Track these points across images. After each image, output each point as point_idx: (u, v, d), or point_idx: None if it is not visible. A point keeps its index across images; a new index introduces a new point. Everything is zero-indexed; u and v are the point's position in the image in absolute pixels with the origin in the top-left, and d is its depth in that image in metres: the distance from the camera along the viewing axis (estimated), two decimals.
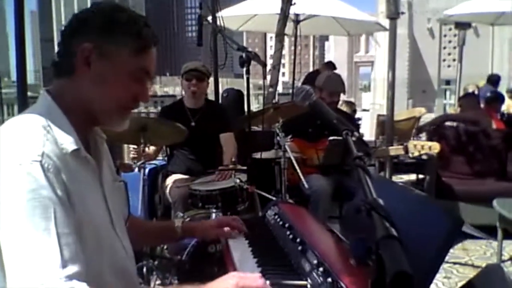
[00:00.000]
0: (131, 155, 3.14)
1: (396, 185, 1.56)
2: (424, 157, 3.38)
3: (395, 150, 3.67)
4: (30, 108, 1.28)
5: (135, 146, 3.16)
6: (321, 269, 1.28)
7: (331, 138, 3.36)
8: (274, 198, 2.79)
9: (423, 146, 3.37)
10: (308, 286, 1.27)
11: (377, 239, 0.74)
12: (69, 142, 1.19)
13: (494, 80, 8.14)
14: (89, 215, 1.20)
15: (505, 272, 2.52)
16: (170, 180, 3.47)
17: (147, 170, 3.46)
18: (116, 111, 1.31)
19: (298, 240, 1.51)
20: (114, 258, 1.31)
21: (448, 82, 16.04)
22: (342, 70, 19.07)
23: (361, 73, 24.36)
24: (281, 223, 1.74)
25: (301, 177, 2.80)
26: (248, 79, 2.50)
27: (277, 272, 1.38)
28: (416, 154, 3.41)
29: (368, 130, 12.71)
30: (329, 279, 1.22)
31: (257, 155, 3.14)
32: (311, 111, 1.40)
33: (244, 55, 2.40)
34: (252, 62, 2.64)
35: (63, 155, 1.16)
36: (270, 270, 1.39)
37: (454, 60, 15.16)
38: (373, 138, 8.29)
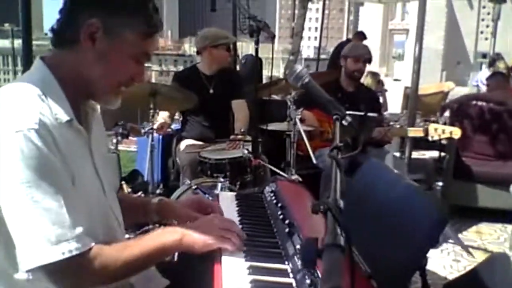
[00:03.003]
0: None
1: (390, 171, 1.51)
2: (444, 141, 3.28)
3: (414, 132, 3.57)
4: (24, 76, 1.29)
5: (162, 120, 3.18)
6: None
7: (346, 112, 3.28)
8: (279, 171, 2.76)
9: (444, 131, 3.28)
10: (288, 270, 1.25)
11: (323, 244, 0.71)
12: (63, 113, 1.20)
13: None
14: (81, 183, 1.22)
15: (510, 261, 2.46)
16: (182, 145, 3.49)
17: (158, 136, 3.49)
18: (112, 89, 1.31)
19: (287, 221, 1.48)
20: (105, 225, 1.34)
21: (484, 56, 15.43)
22: (375, 38, 18.54)
23: (396, 42, 23.62)
24: (275, 201, 1.72)
25: (310, 151, 2.75)
26: (257, 49, 2.45)
27: (261, 253, 1.37)
28: (436, 138, 3.32)
29: (398, 101, 12.43)
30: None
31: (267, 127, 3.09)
32: (305, 92, 1.35)
33: (254, 24, 2.33)
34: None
35: (58, 125, 1.18)
36: (254, 250, 1.37)
37: (492, 33, 14.54)
38: (399, 111, 8.11)
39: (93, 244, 1.17)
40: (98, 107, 1.43)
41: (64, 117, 1.19)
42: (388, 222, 1.35)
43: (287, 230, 1.44)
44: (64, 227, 1.12)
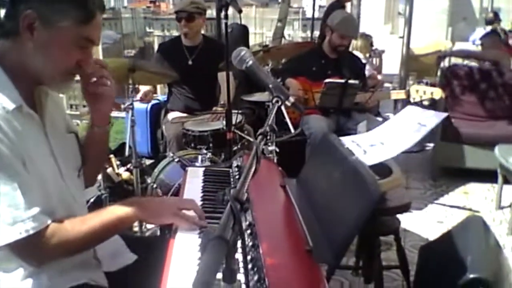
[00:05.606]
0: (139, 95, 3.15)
1: (343, 148, 1.55)
2: (426, 102, 3.27)
3: (396, 94, 3.60)
4: None
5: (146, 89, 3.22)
6: (248, 231, 1.31)
7: (327, 80, 3.29)
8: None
9: (425, 92, 3.28)
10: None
11: (212, 236, 0.74)
12: (9, 101, 1.23)
13: None
14: (35, 165, 1.27)
15: (484, 223, 2.51)
16: (169, 117, 3.52)
17: (147, 108, 3.53)
18: (59, 77, 1.34)
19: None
20: (64, 204, 1.39)
21: None
22: None
23: None
24: (237, 177, 1.76)
25: (288, 122, 2.77)
26: (226, 24, 2.46)
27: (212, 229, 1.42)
28: (418, 99, 3.33)
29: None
30: (252, 243, 1.25)
31: (249, 98, 3.11)
32: (247, 74, 1.38)
33: None
34: None
35: (4, 113, 1.22)
36: (209, 228, 1.42)
37: None
38: (397, 72, 8.00)
39: (50, 221, 1.24)
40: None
41: (10, 105, 1.23)
42: (333, 194, 1.40)
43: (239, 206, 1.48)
44: (19, 208, 1.19)
